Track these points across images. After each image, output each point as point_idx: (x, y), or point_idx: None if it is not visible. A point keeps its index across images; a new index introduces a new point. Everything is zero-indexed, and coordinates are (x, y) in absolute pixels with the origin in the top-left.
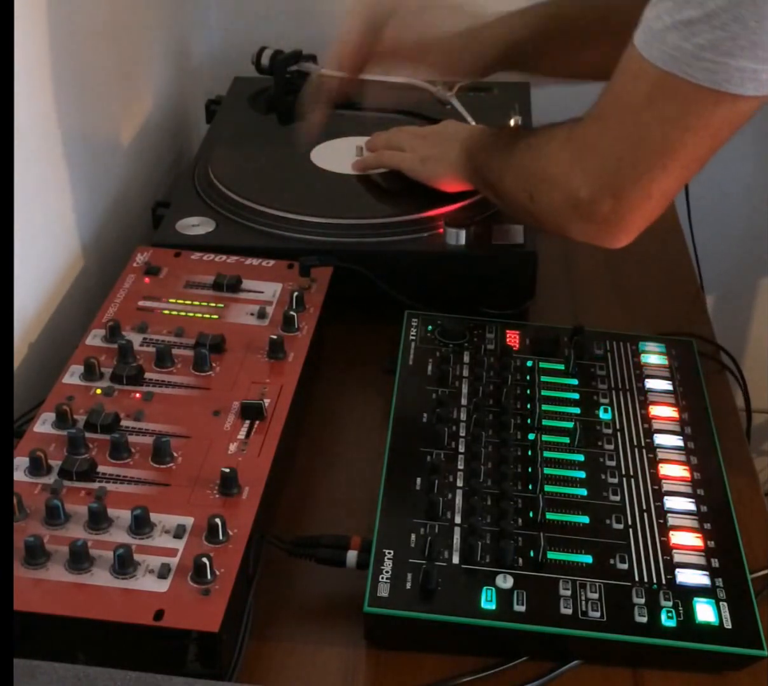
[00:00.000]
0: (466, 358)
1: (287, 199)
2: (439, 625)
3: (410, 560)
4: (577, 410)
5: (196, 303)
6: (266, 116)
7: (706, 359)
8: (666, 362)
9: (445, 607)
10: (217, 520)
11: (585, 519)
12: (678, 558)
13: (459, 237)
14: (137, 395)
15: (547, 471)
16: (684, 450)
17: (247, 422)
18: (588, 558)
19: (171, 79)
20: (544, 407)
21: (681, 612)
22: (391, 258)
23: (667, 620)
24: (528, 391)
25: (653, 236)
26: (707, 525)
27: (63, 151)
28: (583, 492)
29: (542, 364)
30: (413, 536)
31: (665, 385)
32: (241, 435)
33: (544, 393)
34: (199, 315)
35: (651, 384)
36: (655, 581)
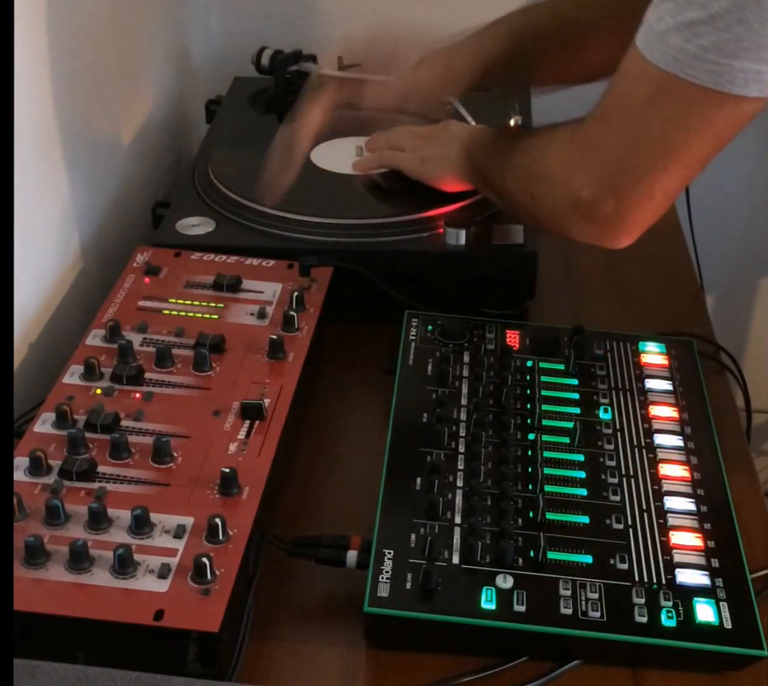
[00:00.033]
0: (466, 358)
1: (287, 199)
2: (439, 625)
3: (410, 560)
4: (577, 410)
5: (196, 303)
6: (266, 116)
7: (706, 359)
8: (666, 362)
9: (445, 607)
10: (217, 520)
11: (585, 519)
12: (678, 558)
13: (459, 237)
14: (137, 395)
15: (547, 471)
16: (684, 450)
17: (247, 422)
18: (588, 558)
19: (171, 79)
20: (544, 407)
21: (681, 612)
22: (391, 258)
23: (667, 620)
24: (528, 391)
25: (653, 236)
26: (707, 525)
27: (63, 151)
28: (583, 492)
29: (542, 364)
30: (413, 536)
31: (665, 385)
32: (241, 435)
33: (544, 393)
34: (199, 315)
35: (651, 384)
36: (655, 581)
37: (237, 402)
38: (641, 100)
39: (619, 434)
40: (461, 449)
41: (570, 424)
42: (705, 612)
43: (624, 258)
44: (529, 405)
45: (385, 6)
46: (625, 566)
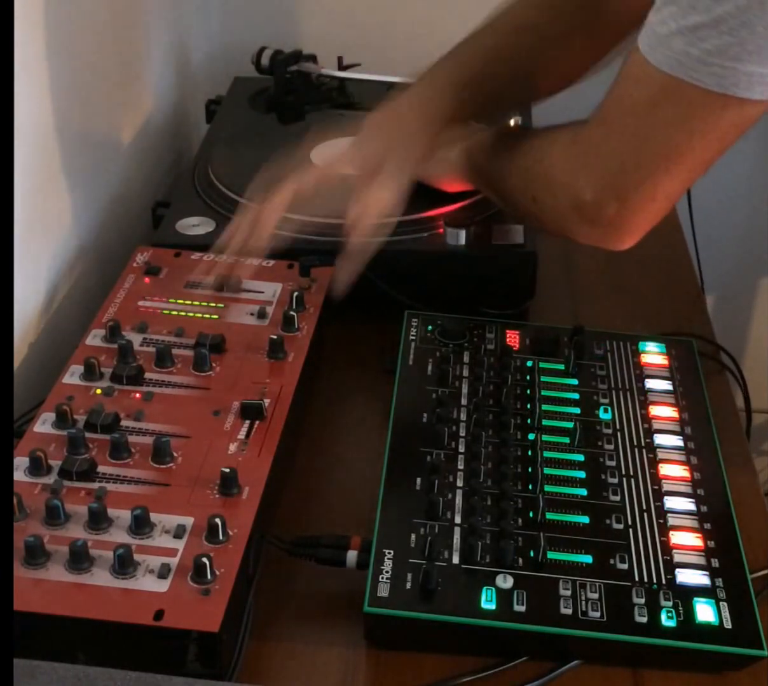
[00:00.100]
0: (466, 358)
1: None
2: (439, 625)
3: (410, 560)
4: (577, 410)
5: (196, 303)
6: (266, 116)
7: (706, 359)
8: (666, 362)
9: (445, 607)
10: (217, 520)
11: (585, 519)
12: (678, 558)
13: (459, 237)
14: (137, 395)
15: (547, 471)
16: (684, 450)
17: (247, 422)
18: (588, 558)
19: (171, 79)
20: (544, 407)
21: (681, 612)
22: (391, 258)
23: (667, 620)
24: (528, 391)
25: (654, 236)
26: (707, 525)
27: (63, 151)
28: (583, 492)
29: (542, 364)
30: (413, 536)
31: (665, 385)
32: (241, 435)
33: (544, 393)
34: (199, 315)
35: (651, 384)
36: (655, 581)
37: (237, 402)
38: (644, 103)
39: (619, 434)
40: (461, 449)
41: (570, 424)
42: (705, 612)
43: (624, 258)
44: (529, 405)
45: (385, 6)
46: (625, 566)
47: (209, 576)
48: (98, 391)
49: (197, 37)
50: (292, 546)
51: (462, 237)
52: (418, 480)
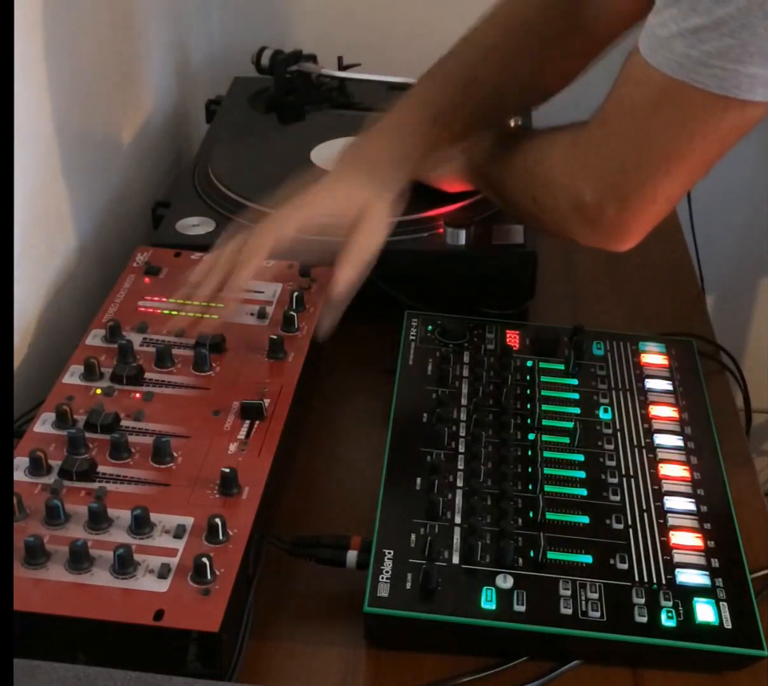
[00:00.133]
0: (466, 358)
1: (287, 199)
2: (439, 625)
3: (410, 560)
4: (577, 410)
5: (196, 303)
6: (266, 116)
7: (706, 359)
8: (666, 362)
9: (445, 607)
10: (217, 520)
11: (585, 519)
12: (678, 558)
13: (459, 237)
14: (137, 395)
15: (547, 471)
16: (684, 450)
17: (247, 422)
18: (588, 558)
19: (171, 79)
20: (544, 407)
21: (681, 612)
22: (391, 258)
23: (667, 620)
24: (528, 391)
25: (654, 236)
26: (707, 525)
27: (63, 151)
28: (583, 492)
29: (542, 364)
30: (413, 536)
31: (665, 385)
32: (241, 435)
33: (544, 393)
34: (199, 315)
35: (651, 384)
36: (655, 581)
37: (237, 402)
38: (644, 105)
39: (619, 434)
40: (461, 449)
41: (570, 424)
42: (705, 612)
43: (624, 258)
44: (529, 405)
45: (385, 6)
46: (625, 566)
47: (209, 576)
48: (98, 391)
49: (197, 37)
50: (292, 546)
51: (462, 237)
52: (418, 480)
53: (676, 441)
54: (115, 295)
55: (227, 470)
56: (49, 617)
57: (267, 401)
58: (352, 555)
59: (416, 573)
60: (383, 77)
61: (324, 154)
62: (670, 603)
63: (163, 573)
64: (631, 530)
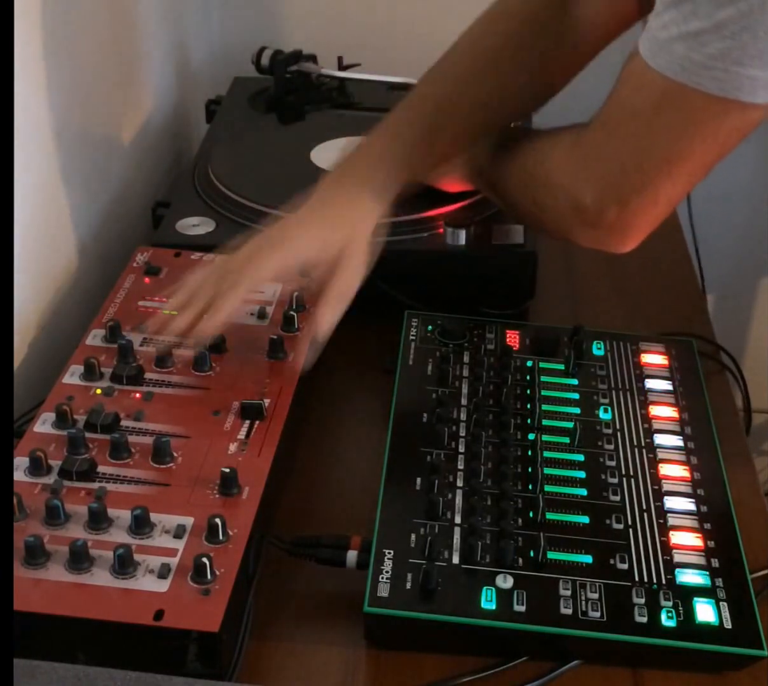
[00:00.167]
0: (466, 358)
1: (287, 199)
2: (439, 625)
3: (410, 560)
4: (577, 410)
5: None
6: (266, 116)
7: (706, 359)
8: (666, 362)
9: (445, 607)
10: (217, 520)
11: (585, 519)
12: (678, 558)
13: (459, 237)
14: (137, 395)
15: (547, 471)
16: (684, 450)
17: (247, 422)
18: (588, 558)
19: (171, 79)
20: (544, 407)
21: (681, 612)
22: (391, 258)
23: (667, 620)
24: (528, 391)
25: (654, 236)
26: (707, 525)
27: (63, 151)
28: (583, 492)
29: (542, 364)
30: (413, 536)
31: (665, 385)
32: (241, 435)
33: (544, 393)
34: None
35: (651, 384)
36: (655, 581)
37: (237, 402)
38: (645, 108)
39: (619, 434)
40: (461, 449)
41: (570, 424)
42: (705, 612)
43: (624, 258)
44: (529, 405)
45: (385, 6)
46: (625, 566)
47: (209, 576)
48: (98, 391)
49: (197, 37)
50: (292, 546)
51: (462, 237)
52: (418, 480)
53: (676, 441)
54: (115, 295)
55: (227, 470)
56: (49, 617)
57: (267, 401)
58: (352, 555)
59: (416, 573)
60: (383, 77)
61: (324, 154)
62: (670, 603)
63: (163, 573)
64: (631, 530)
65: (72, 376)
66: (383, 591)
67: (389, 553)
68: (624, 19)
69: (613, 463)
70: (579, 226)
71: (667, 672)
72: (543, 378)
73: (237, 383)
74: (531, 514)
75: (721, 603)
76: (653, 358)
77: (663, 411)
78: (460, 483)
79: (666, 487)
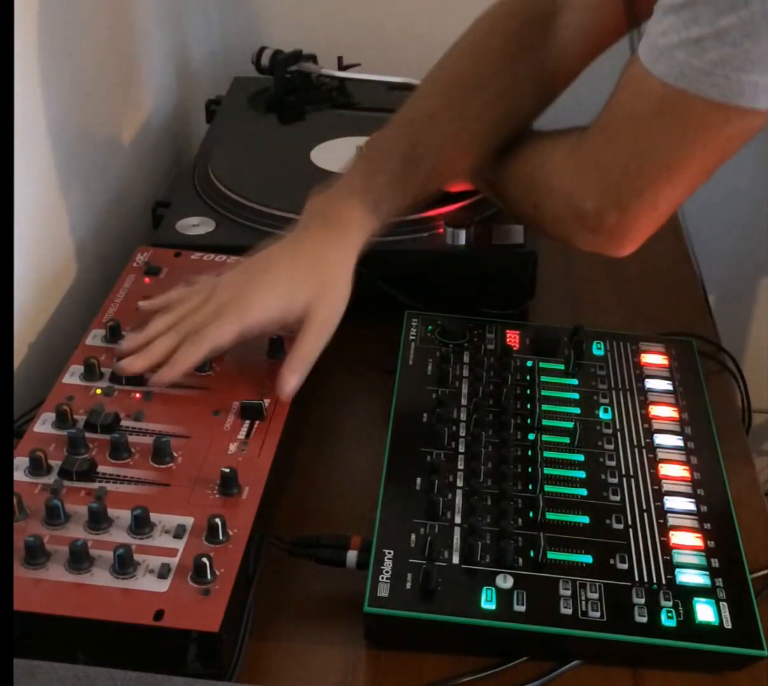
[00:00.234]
0: (466, 358)
1: (287, 199)
2: (439, 625)
3: (410, 560)
4: (577, 410)
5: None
6: (266, 116)
7: (706, 359)
8: (666, 362)
9: (445, 607)
10: (217, 520)
11: (585, 519)
12: (678, 558)
13: (459, 237)
14: (137, 395)
15: (547, 471)
16: (684, 450)
17: (247, 422)
18: (588, 558)
19: (171, 79)
20: (544, 407)
21: (681, 612)
22: (391, 258)
23: (667, 620)
24: (528, 391)
25: (654, 236)
26: (707, 525)
27: (63, 151)
28: (583, 492)
29: (542, 364)
30: (413, 536)
31: (665, 385)
32: (241, 435)
33: (544, 393)
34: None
35: (651, 384)
36: (655, 581)
37: (237, 402)
38: (645, 114)
39: (619, 434)
40: (461, 449)
41: (570, 424)
42: (705, 612)
43: (624, 258)
44: (529, 405)
45: (384, 6)
46: (625, 566)
47: (209, 576)
48: (98, 391)
49: (197, 37)
50: (292, 546)
51: (462, 237)
52: (418, 480)
53: (676, 441)
54: (115, 295)
55: (227, 470)
56: (49, 617)
57: (267, 401)
58: (352, 555)
59: (416, 573)
60: (383, 77)
61: (324, 154)
62: (670, 603)
63: (163, 573)
64: (631, 530)
65: (72, 376)
66: (383, 591)
67: (389, 553)
68: (606, 38)
69: (613, 463)
70: (578, 230)
71: (667, 672)
72: (543, 378)
73: (237, 383)
74: (531, 514)
75: (721, 603)
76: (653, 358)
77: (663, 411)
78: (460, 483)
79: (666, 487)
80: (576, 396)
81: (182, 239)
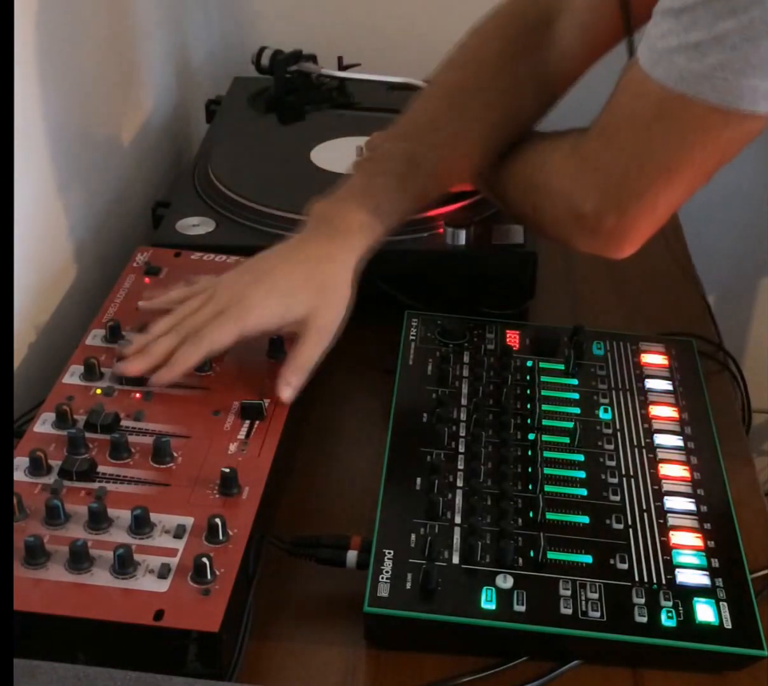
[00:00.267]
0: (466, 358)
1: (287, 199)
2: (439, 625)
3: (410, 560)
4: (577, 410)
5: None
6: (266, 116)
7: (706, 359)
8: (666, 362)
9: (445, 607)
10: (217, 520)
11: (585, 519)
12: (678, 558)
13: (459, 237)
14: (137, 395)
15: (547, 471)
16: (684, 450)
17: (247, 422)
18: (588, 558)
19: (171, 79)
20: (544, 407)
21: (681, 612)
22: (391, 258)
23: (667, 620)
24: (528, 391)
25: (654, 236)
26: (707, 525)
27: (63, 151)
28: (583, 492)
29: (542, 364)
30: (413, 536)
31: (665, 385)
32: (241, 435)
33: (544, 393)
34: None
35: (651, 384)
36: (655, 581)
37: (237, 402)
38: (644, 116)
39: (619, 434)
40: (461, 449)
41: (570, 424)
42: (705, 612)
43: (624, 258)
44: (529, 405)
45: (385, 6)
46: (625, 566)
47: (209, 576)
48: (98, 391)
49: (197, 37)
50: (292, 546)
51: (462, 237)
52: (418, 480)
53: (676, 441)
54: (115, 295)
55: (227, 470)
56: (49, 617)
57: (267, 401)
58: (352, 555)
59: (416, 573)
60: (383, 77)
61: (324, 154)
62: (670, 603)
63: (163, 573)
64: (631, 530)
65: (72, 376)
66: (383, 591)
67: (389, 553)
68: (607, 40)
69: (613, 463)
70: (578, 232)
71: (667, 672)
72: (543, 379)
73: (237, 383)
74: (531, 514)
75: (721, 603)
76: (653, 358)
77: (663, 411)
78: (460, 483)
79: (666, 487)
80: (576, 396)
81: (182, 239)
